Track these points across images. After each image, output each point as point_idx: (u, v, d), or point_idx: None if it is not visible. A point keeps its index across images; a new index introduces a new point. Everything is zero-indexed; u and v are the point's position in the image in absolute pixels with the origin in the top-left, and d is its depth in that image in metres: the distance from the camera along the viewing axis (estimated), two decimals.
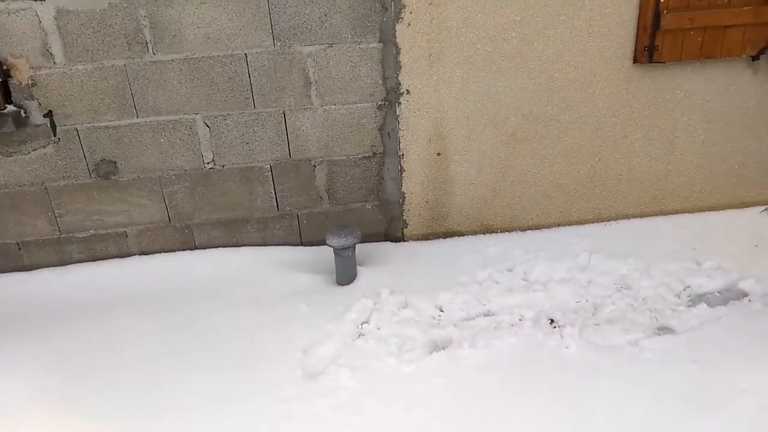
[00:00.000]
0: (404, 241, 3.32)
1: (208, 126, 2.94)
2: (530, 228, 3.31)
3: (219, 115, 2.92)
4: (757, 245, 3.10)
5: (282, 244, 3.23)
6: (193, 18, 2.72)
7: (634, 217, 3.28)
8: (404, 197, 3.21)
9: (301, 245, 3.26)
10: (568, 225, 3.30)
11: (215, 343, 2.56)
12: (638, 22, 2.82)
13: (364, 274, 3.00)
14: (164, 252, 3.18)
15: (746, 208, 3.28)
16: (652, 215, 3.28)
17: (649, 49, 2.84)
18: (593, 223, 3.28)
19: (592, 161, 3.15)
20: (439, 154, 3.12)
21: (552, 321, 2.67)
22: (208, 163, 3.02)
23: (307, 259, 3.16)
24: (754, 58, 2.92)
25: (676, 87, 2.98)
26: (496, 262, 3.10)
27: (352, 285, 2.94)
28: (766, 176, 3.21)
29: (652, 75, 2.95)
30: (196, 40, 2.77)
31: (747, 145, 3.13)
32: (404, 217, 3.27)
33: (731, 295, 2.81)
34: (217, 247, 3.18)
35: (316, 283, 2.99)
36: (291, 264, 3.12)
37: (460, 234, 3.33)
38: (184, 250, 3.18)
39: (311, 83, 2.90)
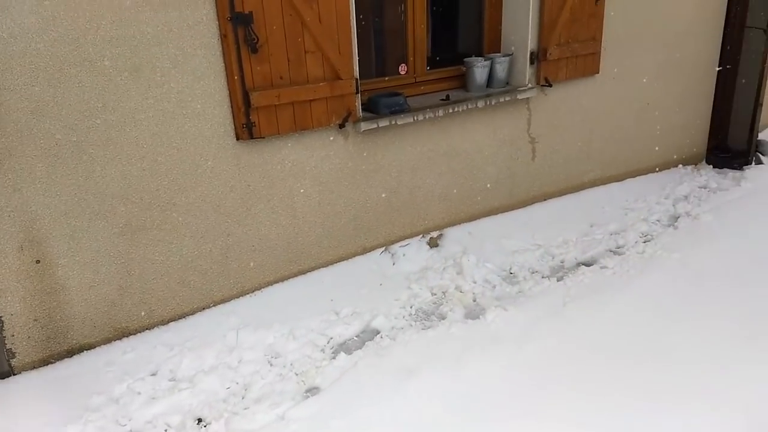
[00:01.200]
0: (14, 374, 2.67)
1: None
2: (173, 319, 3.06)
3: None
4: (381, 284, 3.52)
5: None
6: None
7: (276, 282, 3.35)
8: (1, 321, 2.59)
9: None
10: (214, 306, 3.17)
11: None
12: (231, 102, 2.92)
13: None
14: None
15: (368, 253, 3.70)
16: (292, 277, 3.40)
17: (247, 126, 2.95)
18: (238, 297, 3.23)
19: (222, 238, 3.10)
20: (38, 262, 2.63)
21: (200, 420, 2.47)
22: None
23: None
24: (341, 125, 3.33)
25: (283, 158, 3.18)
26: (136, 368, 2.76)
27: None
28: (377, 222, 3.70)
29: (258, 149, 3.08)
30: None
31: (354, 198, 3.55)
32: (8, 346, 2.63)
33: (367, 336, 3.08)
34: None
35: None
36: None
37: (90, 346, 2.86)
38: None
39: None
